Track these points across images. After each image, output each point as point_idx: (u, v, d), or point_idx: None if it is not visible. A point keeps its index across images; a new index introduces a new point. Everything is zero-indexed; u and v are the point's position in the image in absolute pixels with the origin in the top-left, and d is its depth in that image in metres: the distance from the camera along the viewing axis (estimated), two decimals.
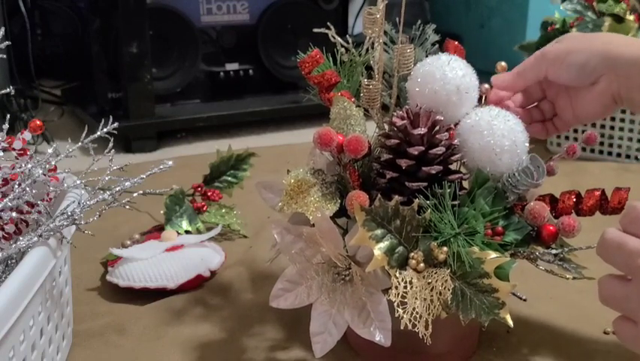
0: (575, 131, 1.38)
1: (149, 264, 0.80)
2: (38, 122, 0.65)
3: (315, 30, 0.70)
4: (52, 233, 0.58)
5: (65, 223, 0.59)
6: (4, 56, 0.72)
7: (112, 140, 0.65)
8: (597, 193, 0.65)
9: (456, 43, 0.70)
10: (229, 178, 1.00)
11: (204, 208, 0.97)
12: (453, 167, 0.62)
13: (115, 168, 0.63)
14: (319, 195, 0.61)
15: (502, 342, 0.70)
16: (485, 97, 0.70)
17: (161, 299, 0.79)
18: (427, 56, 0.67)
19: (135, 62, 1.42)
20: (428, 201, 0.59)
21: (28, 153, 0.65)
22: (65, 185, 0.65)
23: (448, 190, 0.58)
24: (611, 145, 1.34)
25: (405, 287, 0.56)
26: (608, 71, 0.65)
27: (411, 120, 0.61)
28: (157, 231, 0.93)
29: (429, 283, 0.56)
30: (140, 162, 1.27)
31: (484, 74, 0.70)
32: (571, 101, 0.71)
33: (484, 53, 1.84)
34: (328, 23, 0.70)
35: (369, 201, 0.58)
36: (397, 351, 0.61)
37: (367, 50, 0.69)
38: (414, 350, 0.64)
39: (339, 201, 0.62)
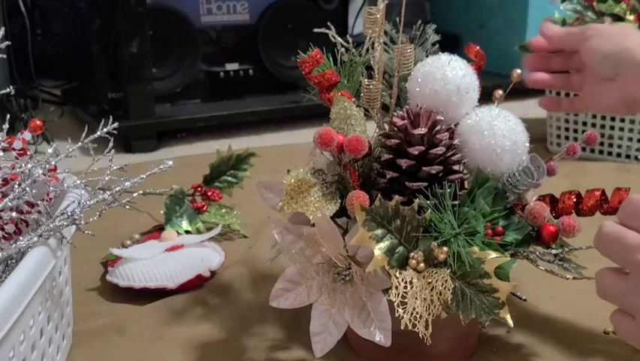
0: (575, 131, 1.38)
1: (149, 264, 0.80)
2: (38, 122, 0.65)
3: (315, 30, 0.70)
4: (52, 233, 0.58)
5: (65, 223, 0.59)
6: (4, 56, 0.72)
7: (112, 140, 0.65)
8: (597, 193, 0.65)
9: (477, 48, 0.70)
10: (229, 178, 1.00)
11: (204, 208, 0.97)
12: (455, 167, 0.62)
13: (115, 168, 0.63)
14: (319, 195, 0.61)
15: (502, 342, 0.70)
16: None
17: (161, 299, 0.79)
18: (427, 56, 0.67)
19: (135, 62, 1.42)
20: (428, 201, 0.59)
21: (28, 153, 0.65)
22: (65, 185, 0.65)
23: (449, 190, 0.58)
24: (611, 145, 1.34)
25: (405, 287, 0.56)
26: (623, 72, 0.66)
27: (411, 120, 0.61)
28: (157, 231, 0.93)
29: (429, 283, 0.56)
30: (140, 162, 1.27)
31: (484, 74, 0.70)
32: (594, 88, 0.72)
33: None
34: (328, 23, 0.70)
35: (370, 201, 0.58)
36: (397, 351, 0.61)
37: (367, 50, 0.69)
38: (414, 350, 0.64)
39: (340, 201, 0.62)
